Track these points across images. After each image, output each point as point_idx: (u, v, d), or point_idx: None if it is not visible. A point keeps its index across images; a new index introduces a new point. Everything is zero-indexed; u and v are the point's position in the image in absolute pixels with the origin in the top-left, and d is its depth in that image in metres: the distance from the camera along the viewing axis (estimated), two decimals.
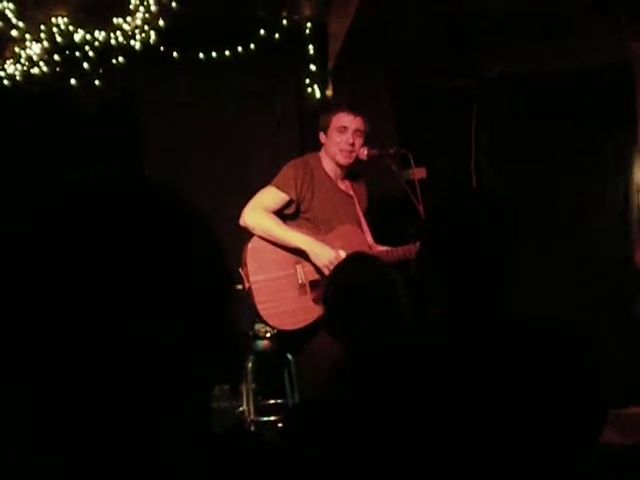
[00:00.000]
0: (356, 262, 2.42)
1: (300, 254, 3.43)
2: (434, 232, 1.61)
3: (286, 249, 3.45)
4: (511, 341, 1.49)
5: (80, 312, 0.69)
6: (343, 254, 3.29)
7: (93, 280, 0.70)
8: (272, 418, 4.18)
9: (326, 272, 3.31)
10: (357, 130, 3.52)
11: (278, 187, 3.46)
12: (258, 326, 4.15)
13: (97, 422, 0.70)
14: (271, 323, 3.43)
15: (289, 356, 3.85)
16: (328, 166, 3.59)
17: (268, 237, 3.42)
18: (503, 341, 1.50)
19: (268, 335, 4.30)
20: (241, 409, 4.16)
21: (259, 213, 3.43)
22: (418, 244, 3.45)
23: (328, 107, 3.92)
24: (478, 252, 1.51)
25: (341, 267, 2.44)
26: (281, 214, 3.48)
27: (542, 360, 1.45)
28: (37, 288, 0.69)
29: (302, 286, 3.44)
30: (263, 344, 4.36)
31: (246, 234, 3.48)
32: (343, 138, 3.50)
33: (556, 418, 1.36)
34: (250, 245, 3.44)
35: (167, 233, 0.76)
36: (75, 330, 0.69)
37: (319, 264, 3.36)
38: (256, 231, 3.43)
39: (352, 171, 3.70)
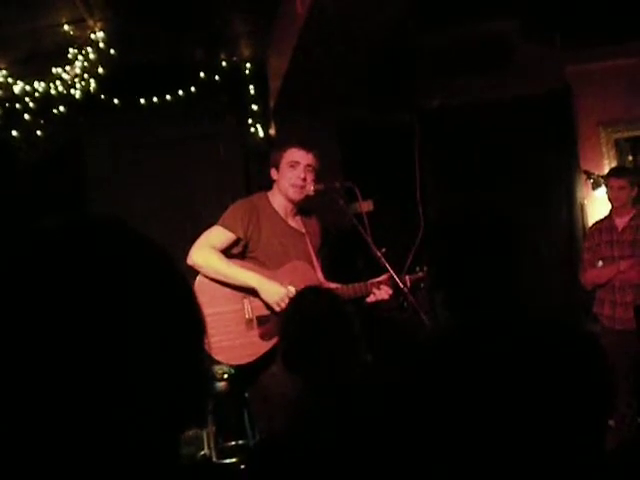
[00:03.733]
0: (311, 295, 2.42)
1: (248, 290, 3.42)
2: None
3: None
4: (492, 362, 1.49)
5: (56, 352, 0.69)
6: (293, 290, 3.28)
7: (66, 323, 0.70)
8: (234, 460, 4.14)
9: (277, 309, 3.30)
10: (308, 165, 3.54)
11: (225, 226, 3.45)
12: (215, 368, 4.11)
13: (63, 463, 0.70)
14: (217, 358, 3.39)
15: (247, 395, 3.82)
16: (278, 203, 3.60)
17: (216, 276, 3.39)
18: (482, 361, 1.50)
19: (225, 376, 4.26)
20: (202, 453, 4.12)
21: (206, 252, 3.40)
22: (369, 283, 3.50)
23: (279, 143, 3.94)
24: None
25: (296, 300, 2.44)
26: (228, 253, 3.47)
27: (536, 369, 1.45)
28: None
29: (249, 321, 3.42)
30: (220, 386, 4.32)
31: (193, 273, 3.45)
32: (295, 173, 3.52)
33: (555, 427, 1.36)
34: (198, 278, 3.41)
35: (134, 268, 0.76)
36: (47, 371, 0.69)
37: (270, 302, 3.35)
38: (204, 270, 3.40)
39: (304, 208, 3.71)
